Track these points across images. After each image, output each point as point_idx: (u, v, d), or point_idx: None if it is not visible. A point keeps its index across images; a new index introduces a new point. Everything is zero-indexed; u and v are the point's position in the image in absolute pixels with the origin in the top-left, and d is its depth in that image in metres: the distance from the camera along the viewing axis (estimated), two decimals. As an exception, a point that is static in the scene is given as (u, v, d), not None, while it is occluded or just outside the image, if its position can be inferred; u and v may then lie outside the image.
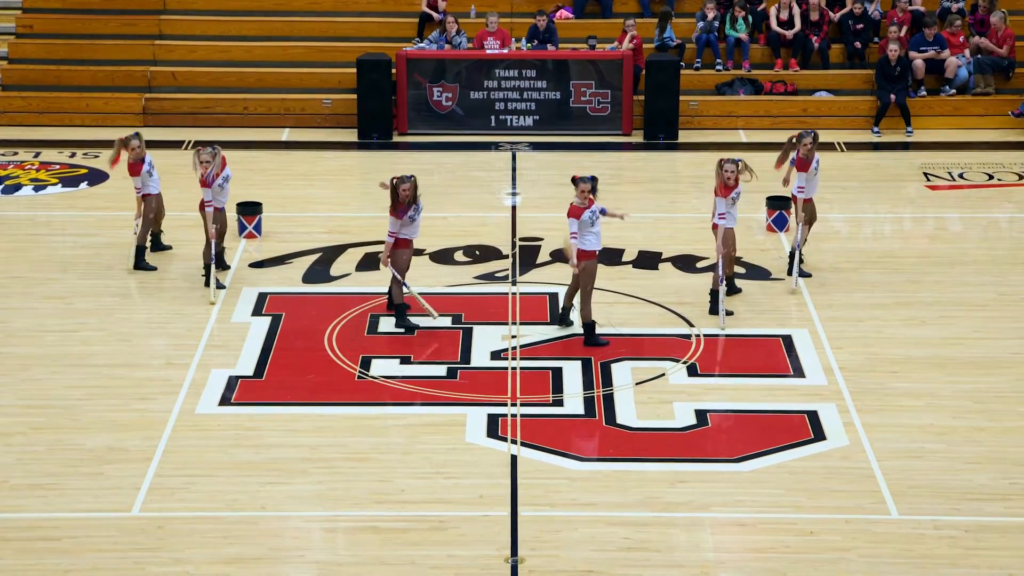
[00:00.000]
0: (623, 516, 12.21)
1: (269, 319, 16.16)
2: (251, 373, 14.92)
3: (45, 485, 12.63)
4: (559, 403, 14.30)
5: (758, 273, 17.51)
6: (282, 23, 25.68)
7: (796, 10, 24.88)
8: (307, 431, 13.69)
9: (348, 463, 13.07)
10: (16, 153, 22.59)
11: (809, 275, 17.28)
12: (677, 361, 15.16)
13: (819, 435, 13.61)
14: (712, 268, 16.60)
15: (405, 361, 15.17)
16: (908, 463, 13.06)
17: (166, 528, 11.98)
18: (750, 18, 24.91)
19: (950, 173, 21.79)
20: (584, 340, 15.41)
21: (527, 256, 18.07)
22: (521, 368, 15.02)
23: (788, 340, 15.66)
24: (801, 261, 17.21)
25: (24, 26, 25.65)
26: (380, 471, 12.92)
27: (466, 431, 13.69)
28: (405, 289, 15.75)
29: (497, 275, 17.52)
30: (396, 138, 23.58)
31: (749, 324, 16.07)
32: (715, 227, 16.01)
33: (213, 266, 16.69)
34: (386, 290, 16.25)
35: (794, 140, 17.03)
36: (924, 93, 24.25)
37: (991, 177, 21.62)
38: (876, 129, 23.78)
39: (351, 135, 23.59)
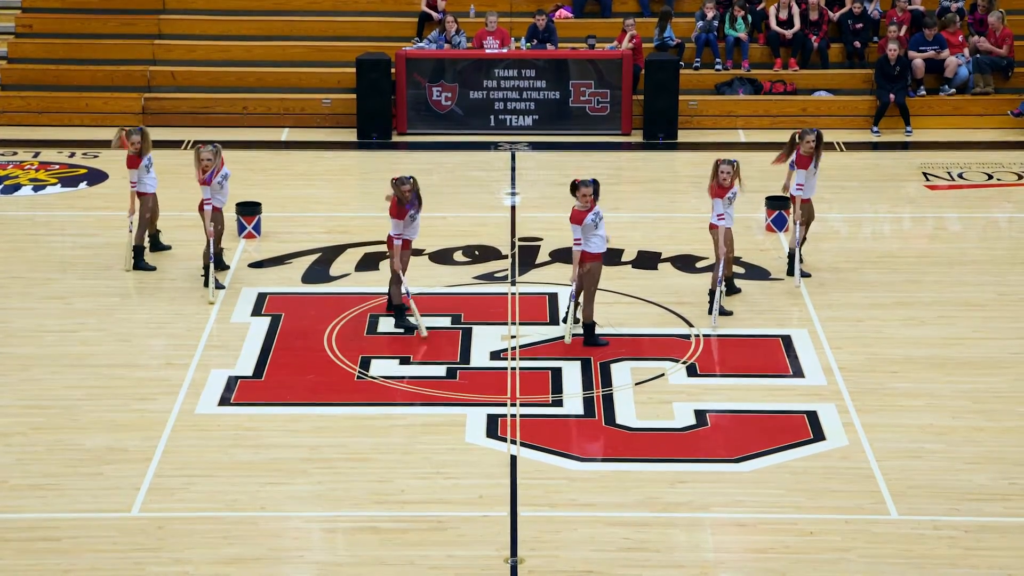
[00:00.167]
0: (623, 516, 12.21)
1: (268, 319, 16.16)
2: (251, 373, 14.92)
3: (45, 485, 12.63)
4: (559, 403, 14.30)
5: (758, 273, 17.51)
6: (282, 23, 25.69)
7: (795, 9, 24.89)
8: (307, 431, 13.69)
9: (348, 463, 13.07)
10: (15, 153, 22.59)
11: (808, 275, 17.28)
12: (677, 361, 15.16)
13: (819, 435, 13.61)
14: (711, 268, 16.59)
15: (404, 361, 15.17)
16: (908, 463, 13.06)
17: (166, 528, 11.98)
18: (749, 18, 24.91)
19: (949, 173, 21.79)
20: (584, 340, 15.41)
21: (526, 256, 18.07)
22: (521, 368, 15.02)
23: (787, 340, 15.66)
24: (800, 261, 17.20)
25: (24, 26, 25.65)
26: (380, 471, 12.92)
27: (466, 431, 13.69)
28: (404, 290, 15.72)
29: (496, 275, 17.52)
30: (395, 138, 23.58)
31: (749, 324, 16.07)
32: (713, 228, 16.00)
33: (212, 266, 16.69)
34: (385, 290, 16.24)
35: (796, 137, 17.01)
36: (923, 93, 24.26)
37: (990, 177, 21.63)
38: (875, 129, 23.78)
39: (350, 135, 23.59)
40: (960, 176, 21.67)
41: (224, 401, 14.29)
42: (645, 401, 14.27)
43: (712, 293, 16.09)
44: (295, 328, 15.95)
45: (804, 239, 17.25)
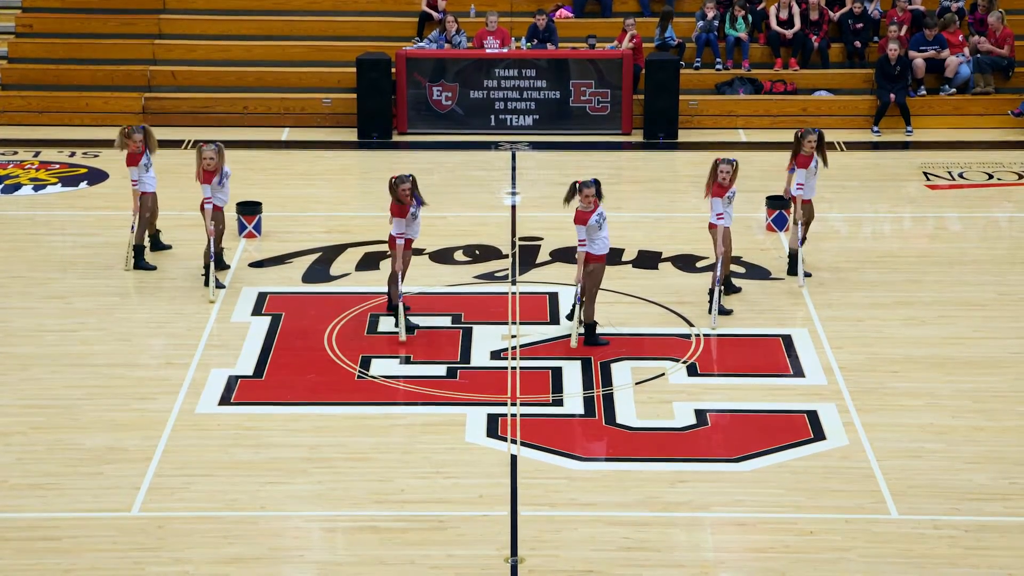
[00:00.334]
0: (623, 516, 12.21)
1: (269, 319, 16.16)
2: (251, 373, 14.91)
3: (45, 485, 12.63)
4: (559, 403, 14.29)
5: (758, 273, 17.51)
6: (282, 23, 25.70)
7: (796, 9, 24.89)
8: (307, 431, 13.69)
9: (348, 463, 13.07)
10: (16, 152, 22.60)
11: (809, 275, 17.27)
12: (677, 361, 15.16)
13: (819, 435, 13.61)
14: (712, 268, 16.59)
15: (405, 361, 15.17)
16: (908, 463, 13.06)
17: (166, 528, 11.98)
18: (750, 17, 24.92)
19: (950, 172, 21.79)
20: (584, 340, 15.40)
21: (527, 256, 18.07)
22: (521, 368, 15.02)
23: (788, 340, 15.66)
24: (801, 261, 17.20)
25: (24, 25, 25.65)
26: (380, 471, 12.92)
27: (466, 431, 13.69)
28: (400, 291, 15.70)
29: (497, 275, 17.52)
30: (396, 137, 23.59)
31: (749, 324, 16.07)
32: (712, 227, 16.00)
33: (212, 265, 16.68)
34: (385, 290, 16.23)
35: (799, 135, 17.00)
36: (924, 92, 24.26)
37: (991, 176, 21.63)
38: (876, 128, 23.78)
39: (351, 134, 23.59)
40: (960, 176, 21.67)
41: (224, 401, 14.28)
42: (645, 401, 14.27)
43: (712, 292, 16.08)
44: (295, 328, 15.95)
45: (804, 239, 17.25)
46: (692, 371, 14.95)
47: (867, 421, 13.82)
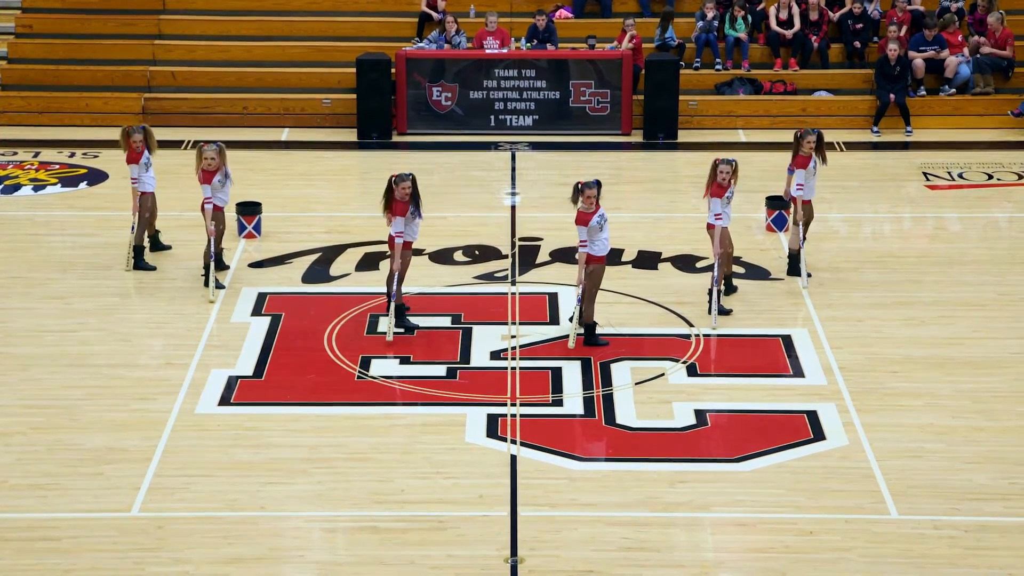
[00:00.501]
0: (623, 516, 12.21)
1: (269, 319, 16.16)
2: (251, 373, 14.91)
3: (45, 485, 12.63)
4: (559, 403, 14.29)
5: (757, 273, 17.51)
6: (282, 23, 25.70)
7: (795, 10, 24.89)
8: (307, 431, 13.69)
9: (348, 463, 13.07)
10: (16, 153, 22.60)
11: (809, 275, 17.27)
12: (677, 361, 15.16)
13: (819, 435, 13.61)
14: (711, 268, 16.58)
15: (405, 361, 15.17)
16: (908, 463, 13.06)
17: (166, 528, 11.98)
18: (749, 18, 24.92)
19: (949, 173, 21.79)
20: (584, 340, 15.40)
21: (527, 256, 18.07)
22: (521, 368, 15.02)
23: (788, 340, 15.66)
24: (800, 260, 17.20)
25: (24, 26, 25.65)
26: (380, 471, 12.92)
27: (466, 431, 13.69)
28: (394, 291, 15.67)
29: (497, 275, 17.52)
30: (395, 138, 23.59)
31: (748, 324, 16.07)
32: (710, 227, 16.01)
33: (212, 265, 16.68)
34: (384, 290, 16.22)
35: (798, 135, 17.00)
36: (923, 93, 24.26)
37: (990, 177, 21.63)
38: (875, 129, 23.78)
39: (351, 135, 23.59)
40: (960, 176, 21.67)
41: (224, 401, 14.28)
42: (645, 401, 14.27)
43: (711, 293, 16.08)
44: (295, 328, 15.95)
45: (804, 238, 17.23)
46: (692, 371, 14.95)
47: (867, 421, 13.82)
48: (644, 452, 13.33)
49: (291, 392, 14.51)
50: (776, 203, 18.81)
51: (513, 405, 14.21)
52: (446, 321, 16.09)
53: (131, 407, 14.08)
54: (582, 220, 15.05)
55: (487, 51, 23.88)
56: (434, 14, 25.05)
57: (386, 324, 15.63)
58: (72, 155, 22.48)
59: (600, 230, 15.11)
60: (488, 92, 23.78)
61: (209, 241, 16.71)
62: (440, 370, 14.96)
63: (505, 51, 23.86)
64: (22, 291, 16.99)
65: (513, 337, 15.67)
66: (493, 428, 13.72)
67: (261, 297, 16.74)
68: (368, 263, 17.80)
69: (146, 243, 17.78)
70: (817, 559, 11.59)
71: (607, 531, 11.95)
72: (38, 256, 18.16)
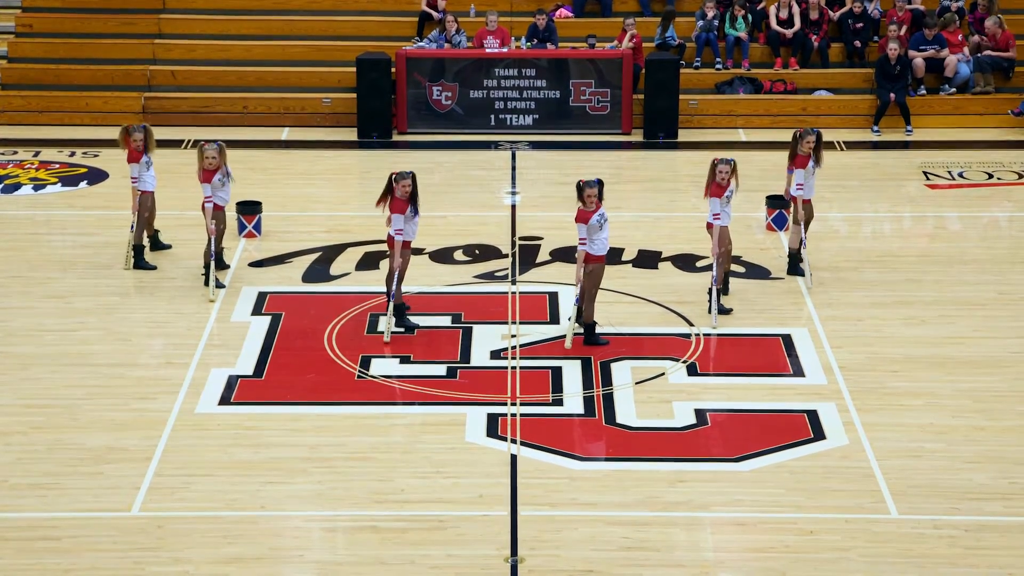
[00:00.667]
0: (623, 516, 12.21)
1: (269, 318, 16.16)
2: (251, 372, 14.91)
3: (45, 485, 12.63)
4: (559, 403, 14.29)
5: (757, 272, 17.51)
6: (282, 22, 25.70)
7: (796, 9, 24.89)
8: (307, 431, 13.69)
9: (348, 463, 13.07)
10: (16, 152, 22.60)
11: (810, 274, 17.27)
12: (677, 360, 15.15)
13: (819, 434, 13.61)
14: (711, 268, 16.58)
15: (405, 361, 15.17)
16: (908, 463, 13.06)
17: (166, 528, 11.98)
18: (750, 17, 24.92)
19: (950, 172, 21.79)
20: (584, 340, 15.40)
21: (527, 255, 18.07)
22: (521, 368, 15.02)
23: (788, 339, 15.66)
24: (800, 260, 17.20)
25: (24, 25, 25.66)
26: (380, 471, 12.92)
27: (466, 431, 13.69)
28: (392, 291, 15.67)
29: (497, 274, 17.52)
30: (396, 137, 23.59)
31: (748, 323, 16.07)
32: (709, 226, 16.01)
33: (213, 264, 16.68)
34: (384, 290, 16.22)
35: (797, 135, 17.00)
36: (924, 92, 24.26)
37: (991, 176, 21.63)
38: (876, 128, 23.79)
39: (351, 134, 23.60)
40: (960, 175, 21.67)
41: (224, 400, 14.28)
42: (645, 400, 14.27)
43: (711, 292, 16.08)
44: (295, 327, 15.95)
45: (805, 238, 17.22)
46: (692, 371, 14.95)
47: (867, 421, 13.82)
48: (644, 452, 13.33)
49: (291, 392, 14.51)
50: (776, 202, 18.82)
51: (513, 405, 14.21)
52: (446, 320, 16.09)
53: (131, 407, 14.08)
54: (582, 218, 15.06)
55: (487, 50, 23.88)
56: (434, 13, 25.05)
57: (384, 323, 15.62)
58: (72, 154, 22.48)
59: (600, 229, 15.11)
60: (488, 91, 23.78)
61: (209, 240, 16.71)
62: (440, 369, 14.96)
63: (505, 50, 23.86)
64: (22, 290, 16.99)
65: (513, 336, 15.67)
66: (493, 428, 13.72)
67: (261, 296, 16.74)
68: (368, 262, 17.80)
69: (146, 242, 17.79)
70: (817, 559, 11.59)
71: (607, 531, 11.95)
72: (38, 255, 18.16)
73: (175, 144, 22.49)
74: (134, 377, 14.73)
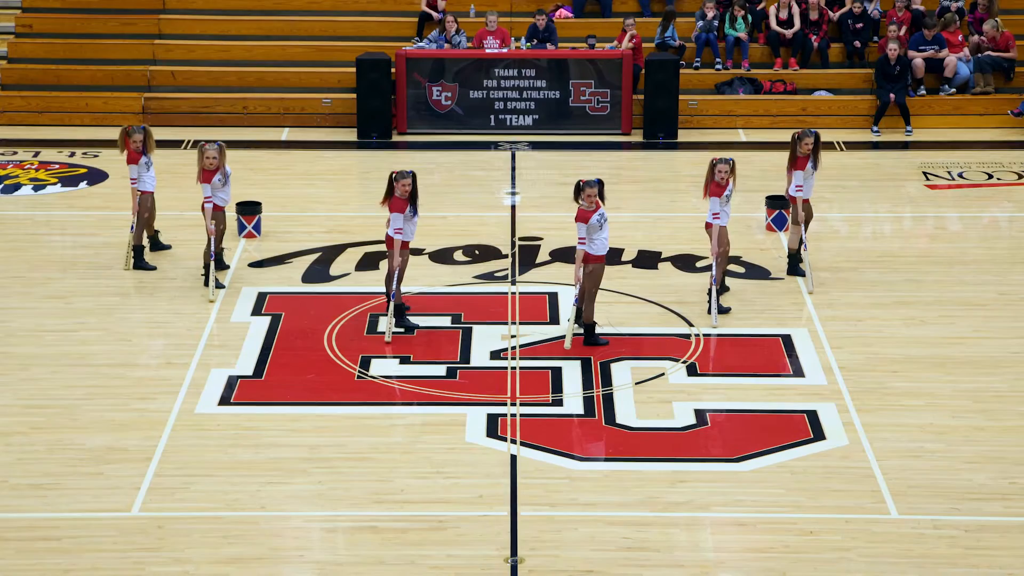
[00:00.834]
0: (623, 516, 12.21)
1: (269, 319, 16.16)
2: (251, 373, 14.91)
3: (45, 485, 12.63)
4: (559, 403, 14.29)
5: (758, 273, 17.51)
6: (282, 23, 25.70)
7: (795, 9, 24.89)
8: (307, 431, 13.69)
9: (348, 463, 13.07)
10: (15, 152, 22.59)
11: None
12: (677, 361, 15.15)
13: (819, 435, 13.61)
14: (711, 268, 16.58)
15: (405, 361, 15.17)
16: (908, 463, 13.06)
17: (166, 528, 11.98)
18: (749, 17, 24.92)
19: (950, 172, 21.79)
20: (584, 340, 15.40)
21: (526, 256, 18.07)
22: (521, 368, 15.02)
23: (788, 339, 15.66)
24: (800, 260, 17.20)
25: (23, 25, 25.65)
26: (380, 471, 12.92)
27: (466, 431, 13.69)
28: (392, 291, 15.66)
29: (496, 275, 17.52)
30: (395, 137, 23.59)
31: (748, 324, 16.07)
32: (708, 226, 16.01)
33: (212, 264, 16.68)
34: (384, 290, 16.22)
35: (796, 136, 17.00)
36: (923, 92, 24.26)
37: (991, 176, 21.63)
38: (875, 128, 23.78)
39: (351, 134, 23.60)
40: (960, 176, 21.67)
41: (224, 400, 14.28)
42: (645, 400, 14.27)
43: (711, 292, 16.08)
44: (295, 328, 15.95)
45: (805, 238, 17.22)
46: (692, 371, 14.95)
47: (867, 421, 13.82)
48: (644, 452, 13.33)
49: (291, 392, 14.51)
50: (776, 202, 18.81)
51: (513, 405, 14.21)
52: (446, 321, 16.09)
53: (131, 407, 14.08)
54: (582, 217, 15.06)
55: (487, 51, 23.88)
56: (434, 14, 25.05)
57: (385, 324, 15.63)
58: (72, 155, 22.48)
59: (600, 229, 15.11)
60: (488, 92, 23.78)
61: (209, 241, 16.71)
62: (440, 370, 14.96)
63: (505, 51, 23.86)
64: (22, 291, 16.99)
65: (513, 337, 15.67)
66: (493, 428, 13.72)
67: (261, 297, 16.74)
68: (368, 263, 17.80)
69: (146, 243, 17.79)
70: (817, 559, 11.59)
71: (607, 531, 11.95)
72: (38, 256, 18.16)
73: (175, 144, 22.49)
74: (134, 377, 14.73)
